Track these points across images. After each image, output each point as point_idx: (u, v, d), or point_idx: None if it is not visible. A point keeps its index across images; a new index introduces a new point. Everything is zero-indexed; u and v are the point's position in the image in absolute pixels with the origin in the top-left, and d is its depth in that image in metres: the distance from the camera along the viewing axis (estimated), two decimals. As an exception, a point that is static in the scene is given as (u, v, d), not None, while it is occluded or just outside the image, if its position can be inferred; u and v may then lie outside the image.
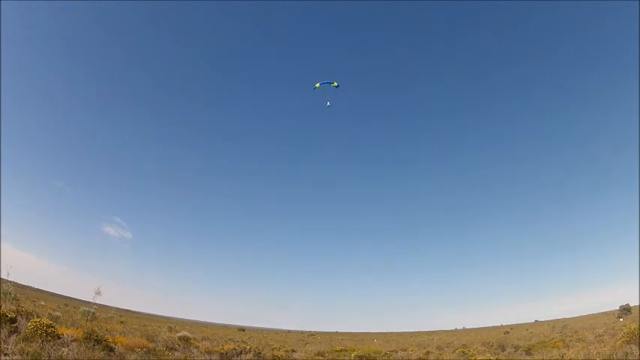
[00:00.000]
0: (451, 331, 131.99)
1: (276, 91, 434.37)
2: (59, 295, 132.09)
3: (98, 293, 32.94)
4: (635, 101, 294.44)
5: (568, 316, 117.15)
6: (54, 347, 16.22)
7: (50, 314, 27.92)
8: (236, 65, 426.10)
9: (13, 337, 16.00)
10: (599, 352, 20.97)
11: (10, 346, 14.96)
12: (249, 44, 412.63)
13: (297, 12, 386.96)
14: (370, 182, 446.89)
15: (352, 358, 29.98)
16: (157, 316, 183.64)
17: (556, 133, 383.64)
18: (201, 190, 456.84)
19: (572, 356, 21.40)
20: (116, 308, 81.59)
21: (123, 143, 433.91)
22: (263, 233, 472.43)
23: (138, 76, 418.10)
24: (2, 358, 14.13)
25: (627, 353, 19.40)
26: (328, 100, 42.69)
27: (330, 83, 41.86)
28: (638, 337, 20.95)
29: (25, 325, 17.72)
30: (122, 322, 45.74)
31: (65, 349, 16.25)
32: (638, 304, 78.02)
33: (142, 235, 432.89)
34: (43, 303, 49.31)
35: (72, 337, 18.09)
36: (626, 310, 65.36)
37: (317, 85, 42.11)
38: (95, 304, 34.36)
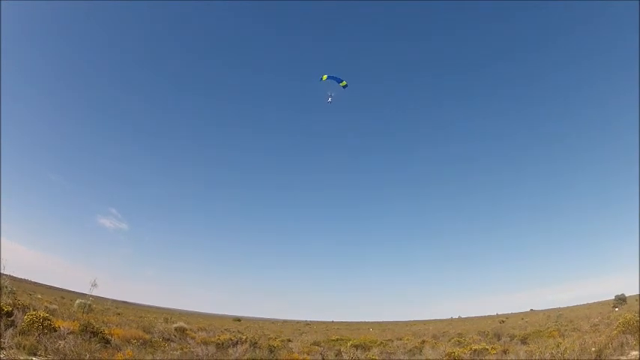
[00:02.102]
0: (447, 320, 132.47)
1: (276, 83, 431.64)
2: (56, 288, 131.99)
3: (94, 285, 33.00)
4: (635, 101, 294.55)
5: (563, 306, 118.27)
6: (50, 340, 16.30)
7: (46, 307, 27.97)
8: (231, 55, 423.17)
9: (10, 331, 16.07)
10: (594, 342, 20.98)
11: (6, 340, 15.05)
12: (244, 36, 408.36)
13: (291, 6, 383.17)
14: (364, 172, 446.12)
15: (348, 347, 30.13)
16: (153, 307, 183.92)
17: (552, 128, 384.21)
18: (197, 181, 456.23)
19: (568, 345, 21.47)
20: (112, 300, 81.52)
21: (118, 135, 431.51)
22: (258, 223, 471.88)
23: (132, 69, 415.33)
24: (-1, 351, 14.20)
25: (623, 343, 19.44)
26: (330, 97, 40.49)
27: (339, 80, 39.58)
28: (634, 326, 21.07)
29: (22, 319, 17.79)
30: (119, 313, 45.82)
31: (62, 342, 16.33)
32: (633, 293, 78.77)
33: (137, 226, 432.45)
34: (39, 296, 49.33)
35: (68, 329, 18.16)
36: (621, 299, 65.94)
37: (324, 77, 39.55)
38: (91, 296, 34.38)
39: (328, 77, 39.20)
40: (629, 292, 74.91)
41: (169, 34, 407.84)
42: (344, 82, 39.40)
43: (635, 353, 17.92)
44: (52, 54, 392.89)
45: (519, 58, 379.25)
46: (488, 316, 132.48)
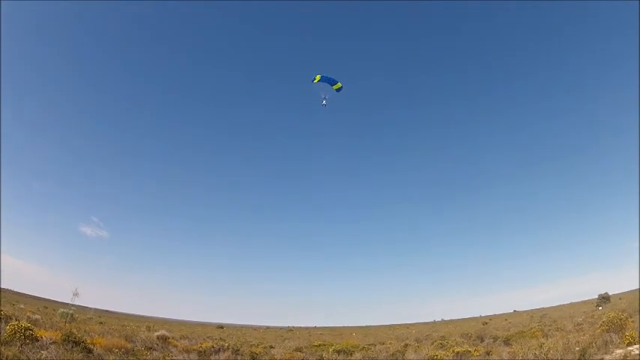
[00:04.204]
0: (430, 323, 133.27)
1: (263, 83, 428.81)
2: (39, 298, 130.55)
3: (76, 294, 32.88)
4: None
5: (547, 306, 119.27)
6: (33, 350, 16.38)
7: (29, 317, 27.96)
8: (215, 56, 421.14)
9: (-8, 341, 16.12)
10: (578, 341, 21.16)
11: (-12, 350, 15.09)
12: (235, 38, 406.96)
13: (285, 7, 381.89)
14: (346, 174, 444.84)
15: (330, 352, 30.33)
16: (136, 315, 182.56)
17: (541, 130, 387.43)
18: (177, 188, 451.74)
19: (551, 345, 21.73)
20: (95, 309, 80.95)
21: (99, 140, 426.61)
22: (239, 229, 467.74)
23: (114, 71, 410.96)
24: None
25: (607, 341, 19.66)
26: (324, 99, 38.15)
27: (333, 82, 37.27)
28: (618, 325, 21.42)
29: (4, 329, 17.84)
30: (101, 322, 45.64)
31: (44, 352, 16.43)
32: (617, 292, 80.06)
33: (119, 234, 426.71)
34: (22, 306, 49.15)
35: (51, 339, 18.24)
36: (605, 298, 66.40)
37: (317, 78, 36.91)
38: (74, 305, 34.27)
39: (322, 78, 37.09)
40: (613, 290, 76.05)
41: (155, 35, 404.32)
42: (338, 85, 37.65)
43: (619, 352, 18.20)
44: (30, 57, 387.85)
45: (518, 59, 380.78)
46: (471, 318, 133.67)
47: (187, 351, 24.05)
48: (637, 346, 18.28)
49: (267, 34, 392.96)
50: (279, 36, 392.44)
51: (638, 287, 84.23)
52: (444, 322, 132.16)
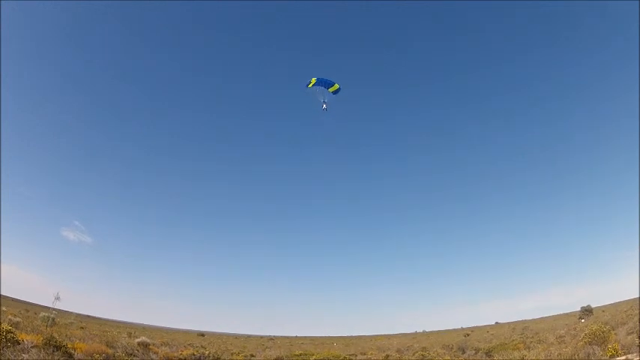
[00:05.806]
0: (411, 334, 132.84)
1: (244, 86, 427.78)
2: (21, 301, 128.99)
3: (57, 299, 32.79)
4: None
5: (529, 318, 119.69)
6: (14, 353, 16.43)
7: (10, 320, 27.83)
8: (205, 61, 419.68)
9: (-27, 344, 16.13)
10: (560, 354, 21.30)
11: (-31, 353, 15.13)
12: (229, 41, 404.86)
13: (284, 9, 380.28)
14: (328, 181, 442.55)
15: (311, 361, 30.43)
16: (117, 321, 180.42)
17: (529, 137, 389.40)
18: (159, 194, 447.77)
19: (533, 357, 21.96)
20: (77, 314, 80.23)
21: (81, 144, 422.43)
22: (221, 237, 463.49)
23: (96, 74, 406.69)
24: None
25: (589, 354, 19.88)
26: (324, 103, 35.58)
27: (330, 84, 34.80)
28: (600, 337, 21.70)
29: (-15, 332, 17.82)
30: (82, 327, 45.35)
31: (25, 355, 16.47)
32: (599, 305, 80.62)
33: (101, 239, 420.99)
34: (4, 309, 48.59)
35: (32, 342, 18.29)
36: (587, 311, 66.58)
37: (313, 81, 34.40)
38: (55, 309, 34.16)
39: (317, 81, 34.65)
40: (596, 303, 76.67)
41: (142, 41, 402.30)
42: (336, 86, 35.10)
43: (601, 364, 18.55)
44: (13, 58, 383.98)
45: (517, 60, 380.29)
46: (453, 329, 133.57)
47: (168, 358, 24.12)
48: (620, 358, 18.60)
49: (262, 38, 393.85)
50: (277, 41, 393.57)
51: (622, 300, 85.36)
52: (425, 333, 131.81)
